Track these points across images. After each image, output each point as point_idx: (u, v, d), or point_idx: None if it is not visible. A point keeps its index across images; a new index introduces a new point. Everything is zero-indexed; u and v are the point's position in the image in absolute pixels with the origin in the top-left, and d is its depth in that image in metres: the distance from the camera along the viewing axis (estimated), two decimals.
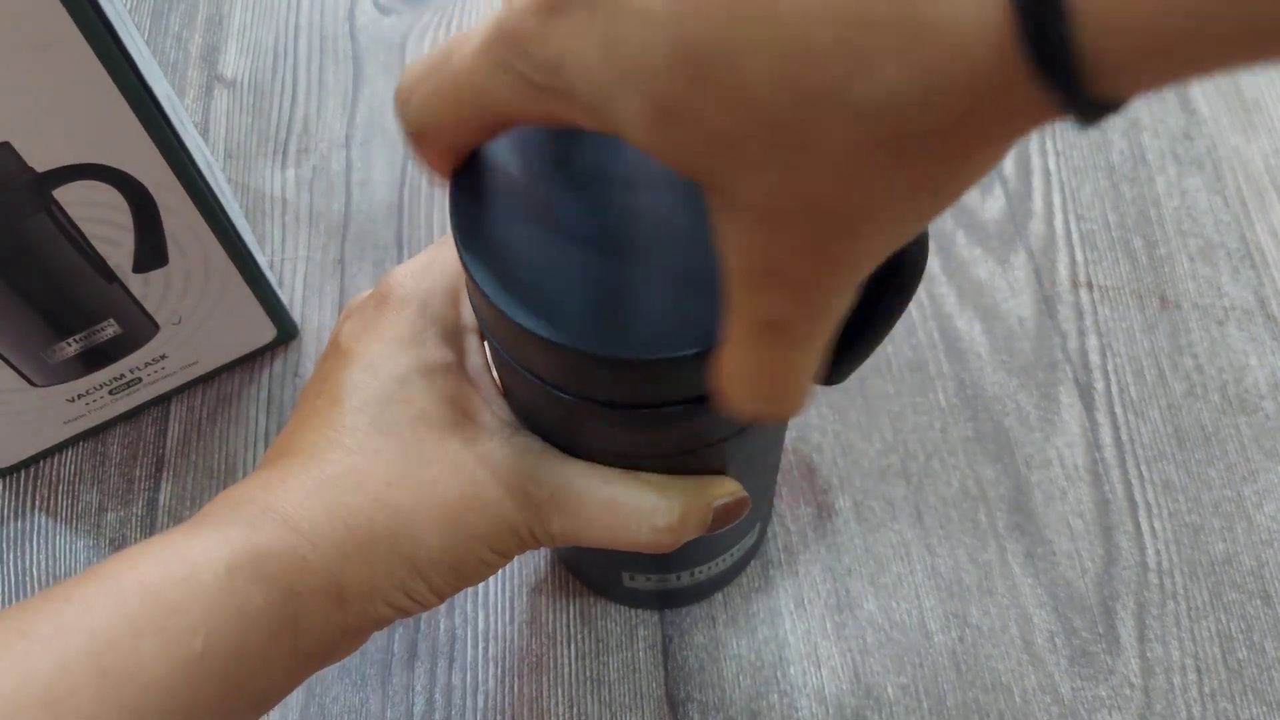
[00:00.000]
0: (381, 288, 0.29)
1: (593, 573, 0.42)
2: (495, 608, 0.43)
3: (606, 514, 0.28)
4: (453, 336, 0.28)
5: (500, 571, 0.43)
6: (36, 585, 0.44)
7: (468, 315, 0.29)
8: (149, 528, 0.45)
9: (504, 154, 0.26)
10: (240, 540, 0.25)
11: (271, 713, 0.41)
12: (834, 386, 0.46)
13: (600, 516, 0.28)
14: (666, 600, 0.42)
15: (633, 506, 0.28)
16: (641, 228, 0.25)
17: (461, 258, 0.24)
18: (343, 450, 0.27)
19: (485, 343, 0.28)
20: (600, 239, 0.25)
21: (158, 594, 0.23)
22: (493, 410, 0.29)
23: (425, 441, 0.27)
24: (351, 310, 0.30)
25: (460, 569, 0.27)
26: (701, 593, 0.42)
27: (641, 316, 0.24)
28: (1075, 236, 0.50)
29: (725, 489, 0.30)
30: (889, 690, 0.41)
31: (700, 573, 0.39)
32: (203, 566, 0.24)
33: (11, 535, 0.45)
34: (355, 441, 0.27)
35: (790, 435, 0.46)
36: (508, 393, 0.30)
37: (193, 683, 0.23)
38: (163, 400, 0.48)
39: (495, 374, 0.30)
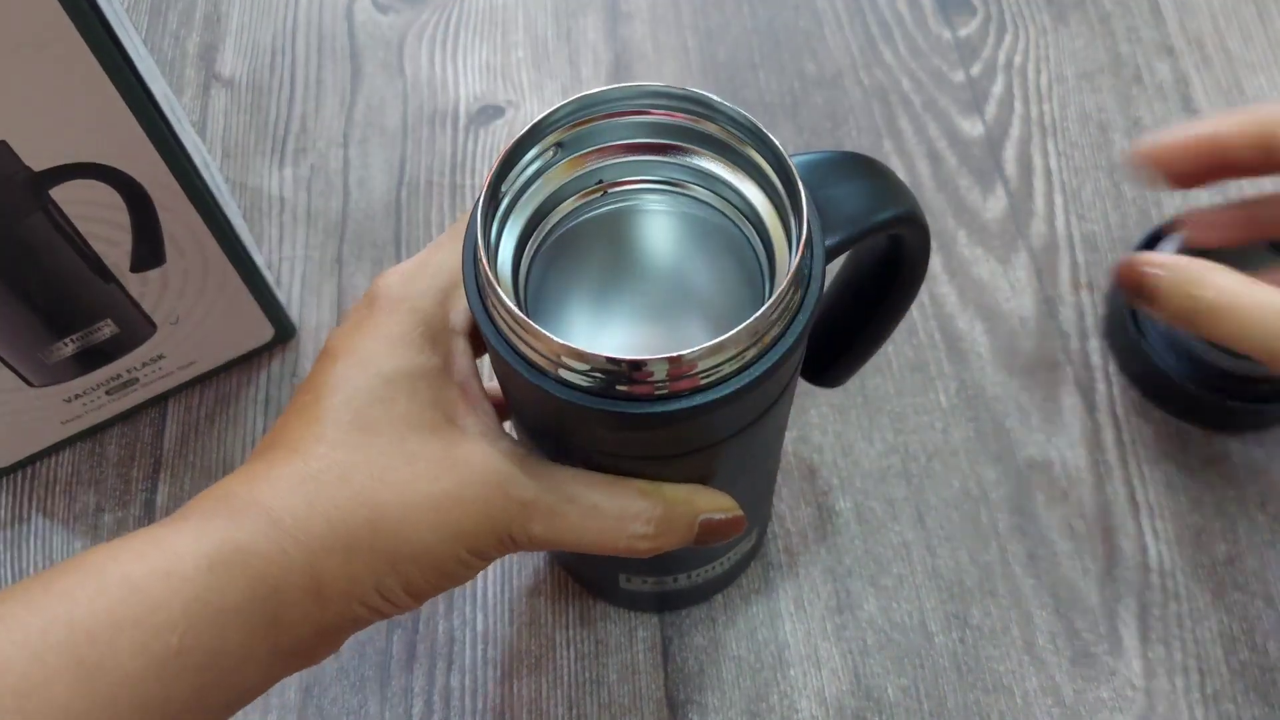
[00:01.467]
0: (372, 289, 0.29)
1: (590, 574, 0.42)
2: (494, 609, 0.43)
3: (588, 519, 0.28)
4: (440, 340, 0.28)
5: (499, 573, 0.43)
6: None
7: (457, 318, 0.29)
8: None
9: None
10: (222, 535, 0.25)
11: (270, 714, 0.41)
12: (835, 388, 0.45)
13: (582, 521, 0.28)
14: (665, 602, 0.42)
15: (614, 512, 0.28)
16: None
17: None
18: (327, 445, 0.27)
19: (486, 346, 0.28)
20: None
21: (139, 587, 0.23)
22: (478, 415, 0.29)
23: (409, 440, 0.27)
24: (349, 314, 0.30)
25: (440, 568, 0.27)
26: (701, 595, 0.42)
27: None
28: (1077, 237, 0.50)
29: (713, 503, 0.30)
30: (889, 692, 0.41)
31: (698, 575, 0.39)
32: (184, 561, 0.24)
33: (9, 536, 0.45)
34: (339, 437, 0.27)
35: (791, 436, 0.45)
36: (504, 391, 0.30)
37: (168, 679, 0.23)
38: (160, 400, 0.47)
39: (493, 371, 0.29)
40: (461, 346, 0.29)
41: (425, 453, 0.27)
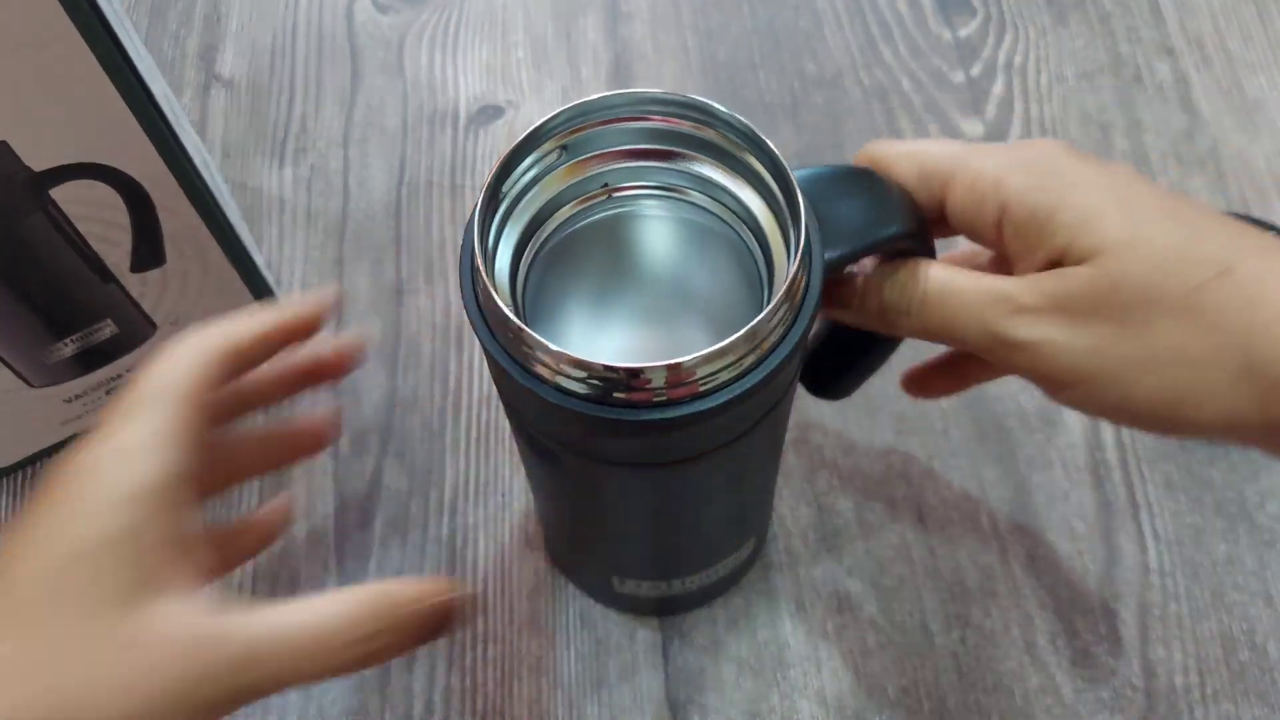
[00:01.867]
0: (68, 466, 0.27)
1: (587, 578, 0.42)
2: (494, 610, 0.43)
3: (302, 650, 0.26)
4: (150, 497, 0.26)
5: (498, 574, 0.43)
6: None
7: (172, 466, 0.27)
8: None
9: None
10: None
11: (270, 714, 0.41)
12: None
13: (299, 654, 0.26)
14: (666, 606, 0.42)
15: (327, 633, 0.27)
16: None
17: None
18: (9, 629, 0.25)
19: (483, 351, 0.28)
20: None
21: None
22: (184, 567, 0.27)
23: (96, 619, 0.25)
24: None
25: None
26: (701, 598, 0.42)
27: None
28: None
29: (420, 591, 0.28)
30: (890, 692, 0.41)
31: (692, 581, 0.39)
32: None
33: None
34: (24, 619, 0.25)
35: (791, 436, 0.45)
36: (501, 397, 0.30)
37: None
38: None
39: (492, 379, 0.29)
40: (177, 496, 0.27)
41: (112, 631, 0.25)
